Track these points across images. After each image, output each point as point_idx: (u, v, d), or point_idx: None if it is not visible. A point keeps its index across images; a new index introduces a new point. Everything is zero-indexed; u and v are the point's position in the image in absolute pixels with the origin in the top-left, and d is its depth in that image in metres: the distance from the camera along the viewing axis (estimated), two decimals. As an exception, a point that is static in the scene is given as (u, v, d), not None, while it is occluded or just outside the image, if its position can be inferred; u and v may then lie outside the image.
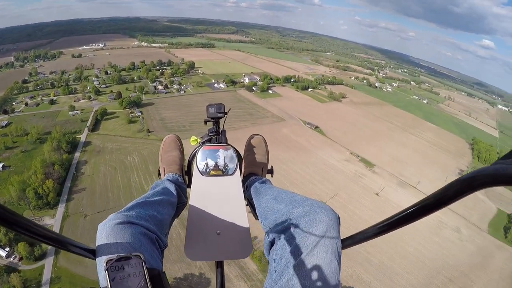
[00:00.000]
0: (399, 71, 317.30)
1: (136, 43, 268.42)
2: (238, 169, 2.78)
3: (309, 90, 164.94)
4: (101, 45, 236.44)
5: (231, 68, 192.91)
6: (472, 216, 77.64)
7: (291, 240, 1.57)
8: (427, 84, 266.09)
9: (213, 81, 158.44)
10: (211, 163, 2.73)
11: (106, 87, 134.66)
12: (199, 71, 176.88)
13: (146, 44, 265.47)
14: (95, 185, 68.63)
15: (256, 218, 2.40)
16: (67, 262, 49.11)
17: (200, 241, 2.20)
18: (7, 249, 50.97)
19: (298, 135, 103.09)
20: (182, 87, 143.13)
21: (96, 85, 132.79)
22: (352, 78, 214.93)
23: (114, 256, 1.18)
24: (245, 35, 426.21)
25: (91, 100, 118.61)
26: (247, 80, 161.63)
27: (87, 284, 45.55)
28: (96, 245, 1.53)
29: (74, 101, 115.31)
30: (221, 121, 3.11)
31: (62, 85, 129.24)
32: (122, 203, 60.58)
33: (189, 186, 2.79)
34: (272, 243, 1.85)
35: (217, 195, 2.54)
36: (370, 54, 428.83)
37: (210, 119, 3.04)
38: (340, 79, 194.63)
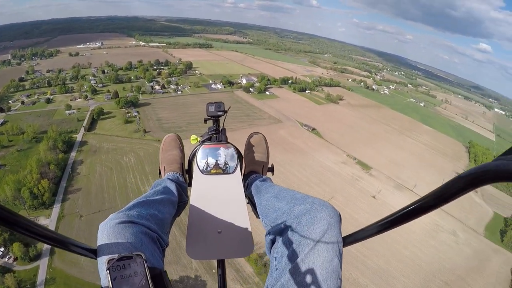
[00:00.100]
0: (397, 73, 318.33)
1: (133, 42, 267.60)
2: (238, 168, 2.80)
3: (307, 92, 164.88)
4: (98, 44, 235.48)
5: (228, 69, 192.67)
6: (469, 219, 77.89)
7: (292, 238, 1.57)
8: (424, 87, 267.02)
9: (211, 81, 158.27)
10: (211, 161, 2.76)
11: (103, 86, 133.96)
12: (197, 71, 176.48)
13: (143, 43, 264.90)
14: (90, 186, 68.23)
15: (257, 216, 2.39)
16: (62, 263, 48.88)
17: (201, 240, 2.21)
18: (2, 249, 50.64)
19: (295, 137, 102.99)
20: (179, 88, 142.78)
21: (93, 84, 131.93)
22: (350, 80, 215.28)
23: (116, 255, 1.17)
24: (243, 36, 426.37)
25: (87, 100, 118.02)
26: (244, 81, 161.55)
27: (82, 286, 45.25)
28: (97, 244, 1.52)
29: (71, 100, 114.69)
30: (221, 119, 3.11)
31: (59, 84, 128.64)
32: (118, 204, 60.39)
33: (189, 185, 2.80)
34: (273, 241, 1.85)
35: (218, 194, 2.55)
36: (368, 57, 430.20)
37: (210, 117, 3.04)
38: (338, 81, 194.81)
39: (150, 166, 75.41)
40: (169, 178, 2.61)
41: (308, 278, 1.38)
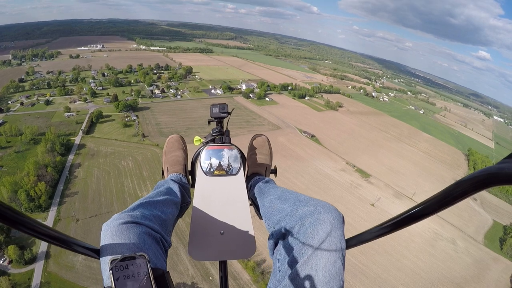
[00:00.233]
0: (396, 81, 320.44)
1: (134, 45, 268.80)
2: (242, 169, 2.76)
3: (306, 98, 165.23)
4: (99, 47, 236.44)
5: (228, 74, 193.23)
6: (468, 227, 77.59)
7: (295, 240, 1.57)
8: (424, 95, 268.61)
9: (210, 87, 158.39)
10: (215, 163, 2.71)
11: (103, 89, 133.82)
12: (197, 76, 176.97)
13: (144, 47, 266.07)
14: (88, 189, 67.73)
15: (260, 218, 2.41)
16: (57, 268, 48.48)
17: (203, 241, 2.22)
18: (-3, 252, 50.12)
19: (294, 144, 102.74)
20: (179, 92, 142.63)
21: (93, 87, 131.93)
22: (349, 87, 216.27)
23: (119, 256, 1.18)
24: (243, 42, 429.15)
25: (87, 102, 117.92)
26: (244, 87, 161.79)
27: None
28: (101, 244, 1.54)
29: (70, 103, 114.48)
30: (225, 121, 3.12)
31: (58, 86, 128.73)
32: (115, 209, 59.96)
33: (192, 186, 2.81)
34: (276, 243, 1.85)
35: (221, 195, 2.53)
36: (367, 64, 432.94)
37: (213, 119, 3.06)
38: (337, 88, 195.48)
39: (148, 171, 75.07)
40: (172, 179, 2.59)
41: (311, 280, 1.38)
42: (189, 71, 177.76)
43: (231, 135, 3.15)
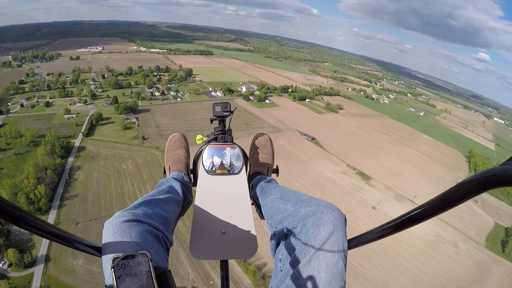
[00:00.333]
0: (396, 83, 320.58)
1: (134, 47, 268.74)
2: (244, 168, 2.78)
3: (306, 100, 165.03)
4: (99, 48, 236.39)
5: (228, 76, 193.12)
6: (470, 230, 77.30)
7: (297, 240, 1.57)
8: (424, 97, 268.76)
9: (210, 89, 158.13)
10: (217, 161, 2.75)
11: (103, 91, 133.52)
12: (197, 78, 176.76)
13: (144, 49, 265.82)
14: (87, 192, 67.45)
15: (262, 217, 2.43)
16: (57, 271, 48.30)
17: (205, 240, 2.23)
18: (-4, 255, 49.93)
19: (295, 147, 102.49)
20: (179, 94, 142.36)
21: (93, 89, 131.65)
22: (349, 89, 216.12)
23: (121, 254, 1.17)
24: (243, 44, 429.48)
25: (87, 104, 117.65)
26: (244, 89, 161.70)
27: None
28: (102, 242, 1.53)
29: (70, 105, 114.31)
30: (227, 120, 3.12)
31: (58, 88, 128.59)
32: (115, 212, 59.10)
33: (194, 184, 2.82)
34: (278, 243, 1.84)
35: (222, 194, 2.57)
36: (367, 66, 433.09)
37: (216, 117, 3.05)
38: (337, 90, 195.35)
39: (148, 174, 74.83)
40: (174, 178, 2.61)
41: (313, 280, 1.38)
42: (189, 73, 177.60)
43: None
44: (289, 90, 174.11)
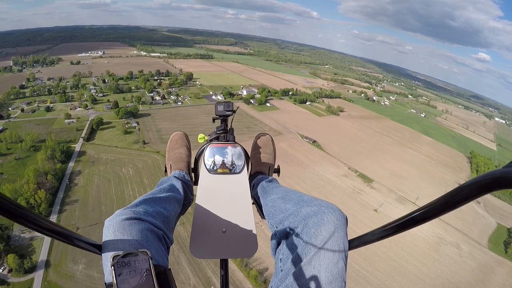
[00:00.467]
0: (397, 84, 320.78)
1: (135, 52, 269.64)
2: (245, 168, 2.78)
3: (307, 103, 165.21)
4: (100, 53, 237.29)
5: (229, 80, 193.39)
6: (472, 231, 76.88)
7: (298, 240, 1.58)
8: (425, 98, 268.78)
9: (211, 93, 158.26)
10: (218, 160, 2.74)
11: (103, 96, 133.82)
12: (197, 82, 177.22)
13: (145, 53, 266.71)
14: (88, 197, 67.27)
15: (263, 217, 2.42)
16: (57, 277, 48.01)
17: (205, 239, 2.24)
18: (-4, 260, 49.79)
19: (296, 150, 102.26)
20: (180, 98, 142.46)
21: (93, 94, 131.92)
22: (350, 91, 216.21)
23: (121, 252, 1.17)
24: (244, 47, 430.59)
25: (87, 109, 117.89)
26: (245, 93, 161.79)
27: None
28: (103, 240, 1.53)
29: (71, 109, 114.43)
30: (229, 119, 3.08)
31: (59, 92, 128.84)
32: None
33: (195, 183, 2.82)
34: (278, 243, 1.84)
35: (223, 193, 2.56)
36: (368, 68, 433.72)
37: (218, 117, 3.05)
38: (338, 93, 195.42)
39: (149, 178, 74.65)
40: (175, 176, 2.61)
41: (313, 281, 1.38)
42: (189, 77, 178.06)
43: (231, 141, 3.01)
44: (290, 93, 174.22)
